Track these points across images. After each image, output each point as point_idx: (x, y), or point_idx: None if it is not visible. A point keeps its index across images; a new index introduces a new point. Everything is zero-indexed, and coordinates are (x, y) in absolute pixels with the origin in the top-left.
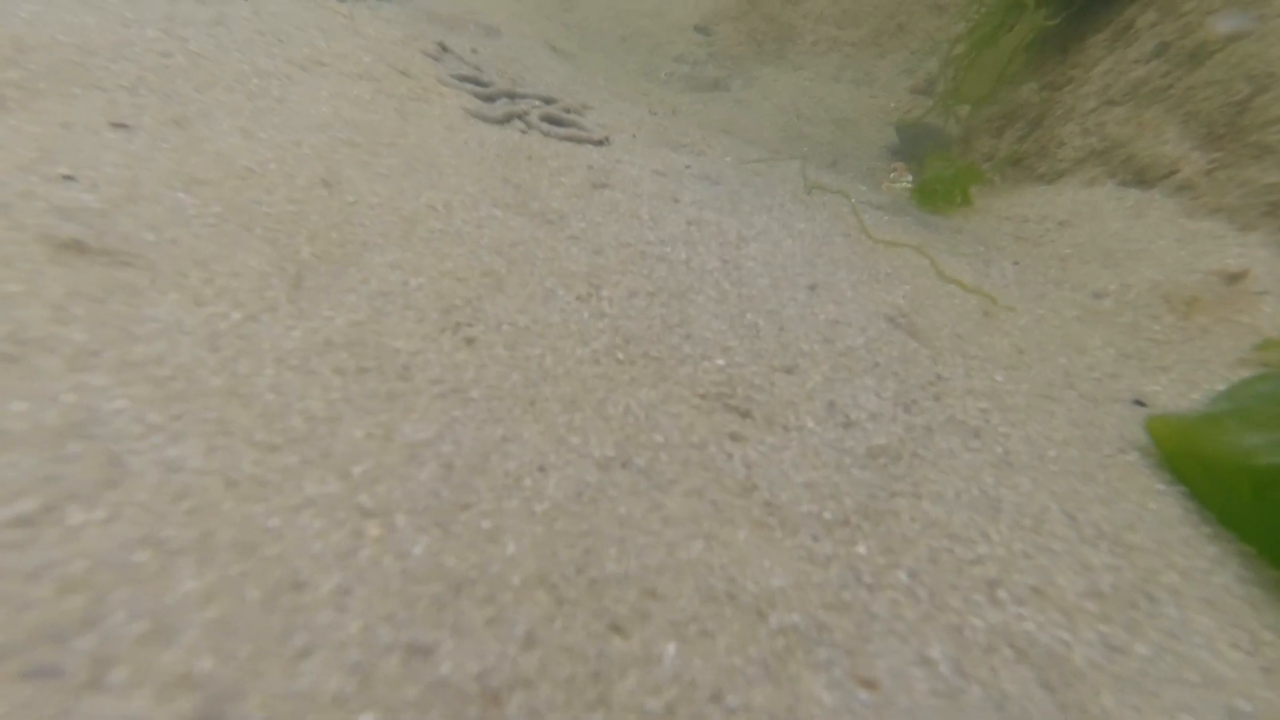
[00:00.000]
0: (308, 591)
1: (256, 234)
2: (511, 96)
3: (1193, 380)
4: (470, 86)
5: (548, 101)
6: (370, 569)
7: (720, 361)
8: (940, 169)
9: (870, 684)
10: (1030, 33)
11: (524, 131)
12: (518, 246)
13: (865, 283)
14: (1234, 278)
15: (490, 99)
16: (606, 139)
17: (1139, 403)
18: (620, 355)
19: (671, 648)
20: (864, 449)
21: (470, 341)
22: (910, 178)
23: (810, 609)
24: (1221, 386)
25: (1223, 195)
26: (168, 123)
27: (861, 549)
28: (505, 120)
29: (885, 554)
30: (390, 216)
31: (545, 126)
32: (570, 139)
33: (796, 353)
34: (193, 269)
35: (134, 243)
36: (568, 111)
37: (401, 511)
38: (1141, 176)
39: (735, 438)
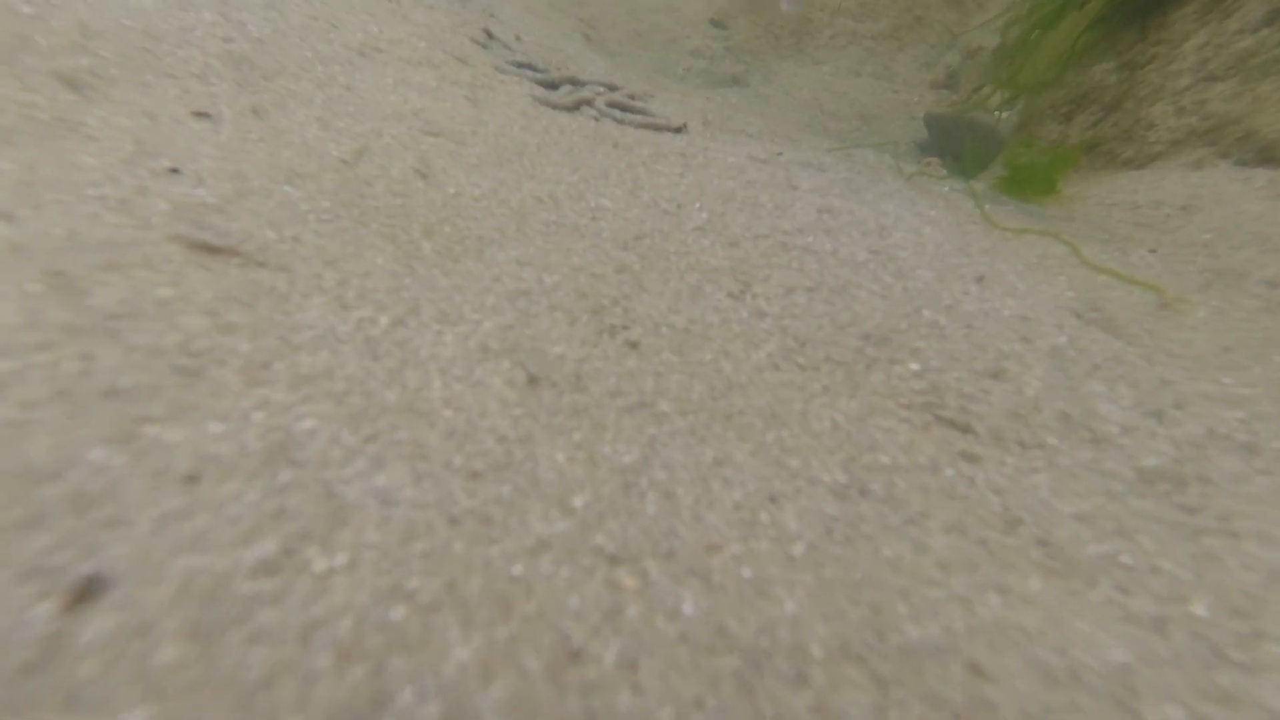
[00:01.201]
0: (590, 664)
1: (373, 230)
2: (575, 83)
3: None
4: (529, 73)
5: (611, 89)
6: (646, 633)
7: (914, 366)
8: (1028, 155)
9: None
10: (1106, 7)
11: (596, 119)
12: (643, 240)
13: (1025, 274)
14: None
15: (552, 85)
16: (684, 126)
17: None
18: (800, 360)
19: None
20: (1132, 471)
21: (634, 346)
22: (945, 173)
23: (1184, 697)
24: None
25: None
26: (246, 112)
27: (1199, 609)
28: (575, 107)
29: (1235, 617)
30: (499, 209)
31: (616, 114)
32: (647, 127)
33: (997, 354)
34: (325, 269)
35: (259, 241)
36: (633, 98)
37: (649, 556)
38: (1269, 154)
39: (969, 457)
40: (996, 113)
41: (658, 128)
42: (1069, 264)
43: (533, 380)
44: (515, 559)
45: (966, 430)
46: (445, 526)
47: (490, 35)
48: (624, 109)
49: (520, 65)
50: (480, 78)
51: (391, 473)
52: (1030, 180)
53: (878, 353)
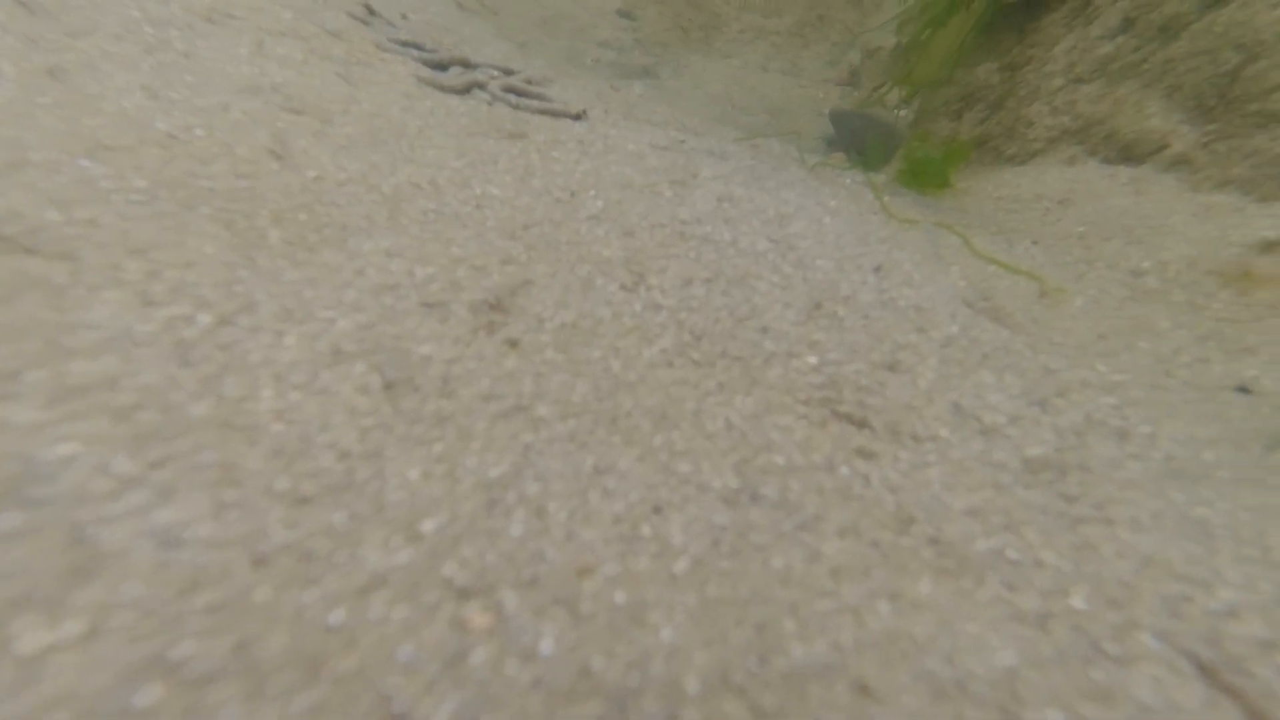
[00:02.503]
0: None
1: (203, 214)
2: (466, 65)
3: (1242, 360)
4: (415, 53)
5: (507, 72)
6: (493, 683)
7: (813, 359)
8: (924, 150)
9: None
10: (985, 12)
11: (489, 103)
12: (532, 229)
13: (922, 264)
14: (1272, 245)
15: (441, 66)
16: (584, 112)
17: (1243, 389)
18: (696, 355)
19: None
20: (1019, 461)
21: (515, 344)
22: (849, 167)
23: (1067, 699)
24: None
25: (1228, 168)
26: (38, 72)
27: (1077, 601)
28: (465, 90)
29: (1111, 608)
30: (369, 195)
31: (512, 98)
32: (545, 112)
33: (893, 345)
34: (128, 259)
35: (30, 223)
36: (531, 83)
37: (507, 586)
38: (1128, 153)
39: (864, 454)
40: (895, 110)
41: (556, 114)
42: (961, 254)
43: (390, 386)
44: (337, 603)
45: (863, 425)
46: (247, 569)
47: (371, 11)
48: (520, 94)
49: (405, 44)
50: (357, 54)
51: (182, 505)
52: (926, 174)
53: (776, 346)
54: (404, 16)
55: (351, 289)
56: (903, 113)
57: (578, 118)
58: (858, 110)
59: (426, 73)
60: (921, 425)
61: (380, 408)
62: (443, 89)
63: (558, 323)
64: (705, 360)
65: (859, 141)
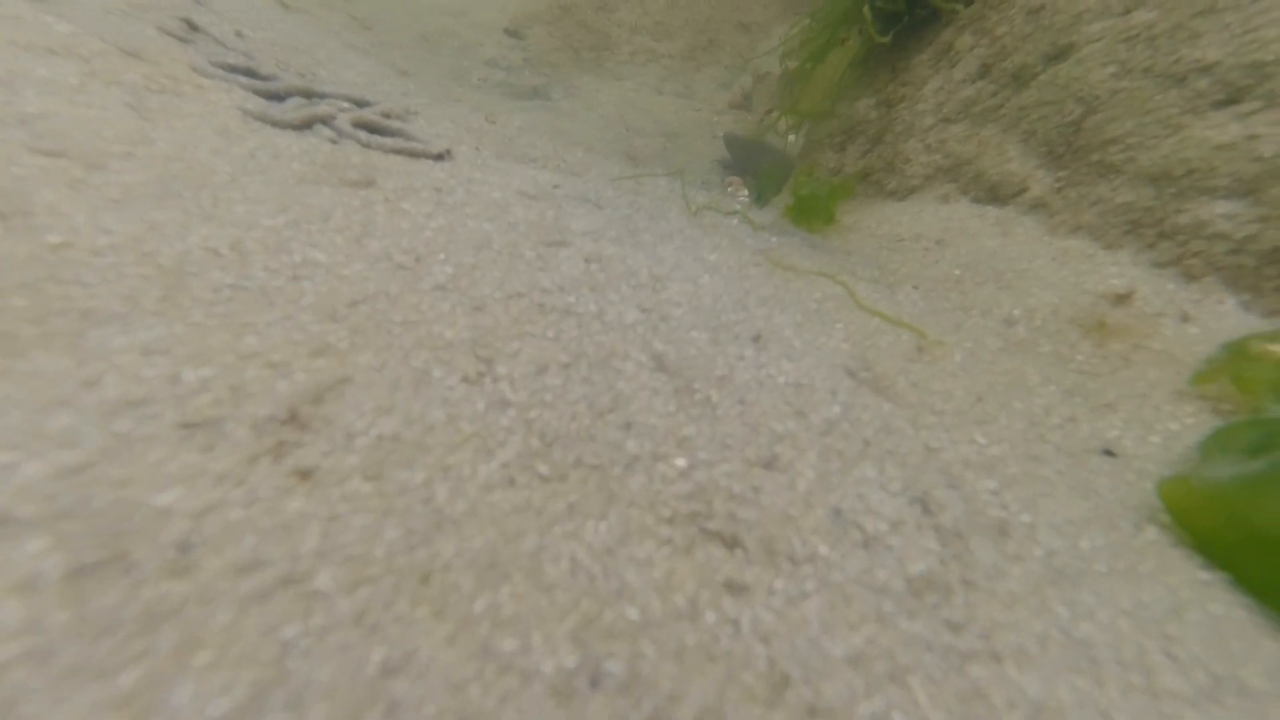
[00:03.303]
0: None
1: None
2: (308, 95)
3: (1144, 421)
4: (244, 80)
5: (360, 104)
6: None
7: (681, 462)
8: (811, 185)
9: None
10: (862, 48)
11: (334, 141)
12: (361, 306)
13: (804, 325)
14: (1121, 298)
15: (276, 96)
16: (448, 152)
17: (1108, 452)
18: (544, 468)
19: None
20: (902, 582)
21: (306, 475)
22: (746, 192)
23: None
24: (1174, 425)
25: (1079, 214)
26: None
27: None
28: (305, 126)
29: None
30: (138, 268)
31: (363, 135)
32: (401, 152)
33: (771, 436)
34: None
35: None
36: (388, 117)
37: None
38: (994, 194)
39: (735, 588)
40: (787, 136)
41: (415, 154)
42: (845, 307)
43: (78, 573)
44: None
45: (734, 545)
46: None
47: (193, 27)
48: (375, 130)
49: (232, 69)
50: (162, 80)
51: None
52: (813, 210)
53: (640, 447)
54: (239, 34)
55: (68, 410)
56: (793, 138)
57: (440, 158)
58: (751, 136)
59: (256, 104)
60: (799, 541)
61: (44, 617)
62: (275, 124)
63: (374, 436)
64: (555, 473)
65: (754, 166)
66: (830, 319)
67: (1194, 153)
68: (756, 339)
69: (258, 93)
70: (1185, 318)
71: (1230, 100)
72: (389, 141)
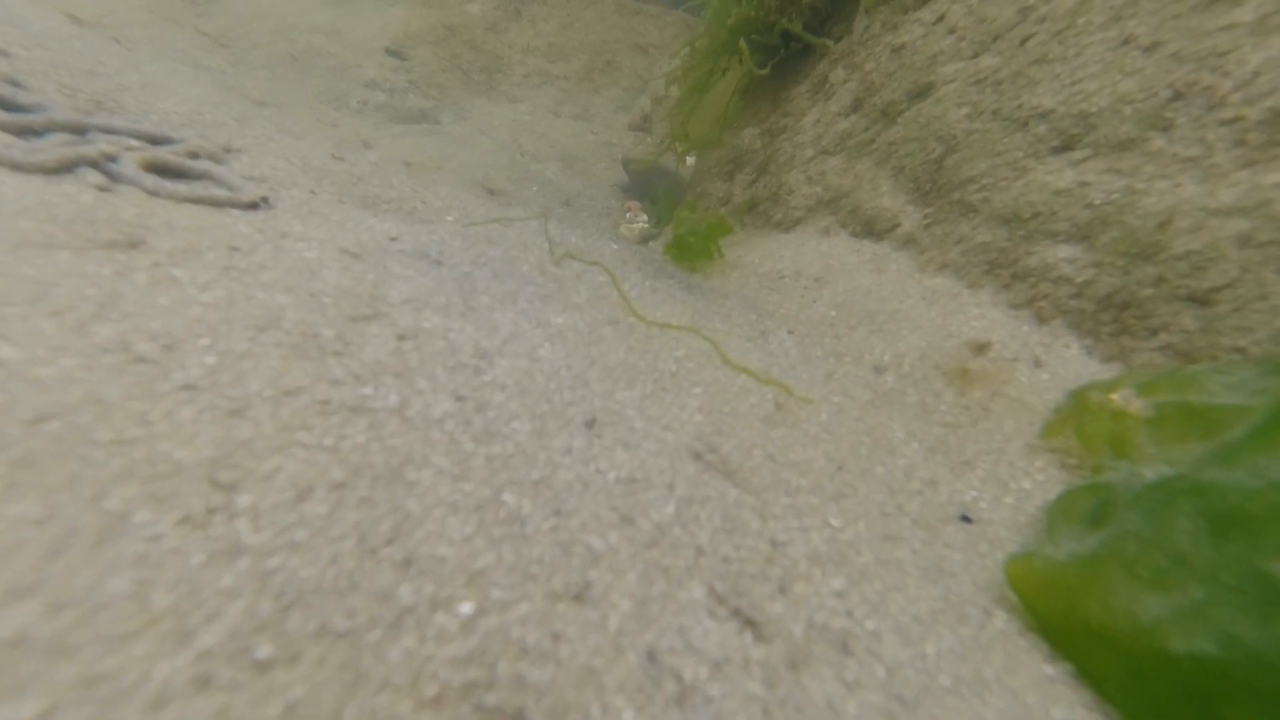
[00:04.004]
0: None
1: None
2: (79, 130)
3: (1000, 479)
4: None
5: (157, 141)
6: None
7: (466, 608)
8: (691, 222)
9: None
10: (743, 80)
11: (105, 190)
12: (48, 422)
13: (654, 397)
14: (981, 347)
15: (30, 132)
16: (264, 200)
17: (965, 518)
18: (266, 649)
19: None
20: None
21: None
22: (645, 217)
23: None
24: (1027, 484)
25: (945, 251)
26: None
27: None
28: (63, 169)
29: None
30: None
31: (150, 181)
32: (200, 201)
33: (586, 557)
34: None
35: None
36: (195, 157)
37: None
38: (870, 228)
39: None
40: (683, 160)
41: (217, 203)
42: (710, 364)
43: None
44: None
45: None
46: None
47: None
48: (173, 173)
49: None
50: None
51: None
52: (692, 250)
53: (417, 593)
54: (2, 53)
55: None
56: (691, 160)
57: (253, 207)
58: (650, 159)
59: None
60: (599, 707)
61: None
62: (13, 167)
63: (21, 637)
64: (282, 654)
65: (653, 190)
66: (689, 382)
67: (1038, 196)
68: (591, 424)
69: (4, 127)
70: (1038, 363)
71: (1065, 146)
72: (185, 189)
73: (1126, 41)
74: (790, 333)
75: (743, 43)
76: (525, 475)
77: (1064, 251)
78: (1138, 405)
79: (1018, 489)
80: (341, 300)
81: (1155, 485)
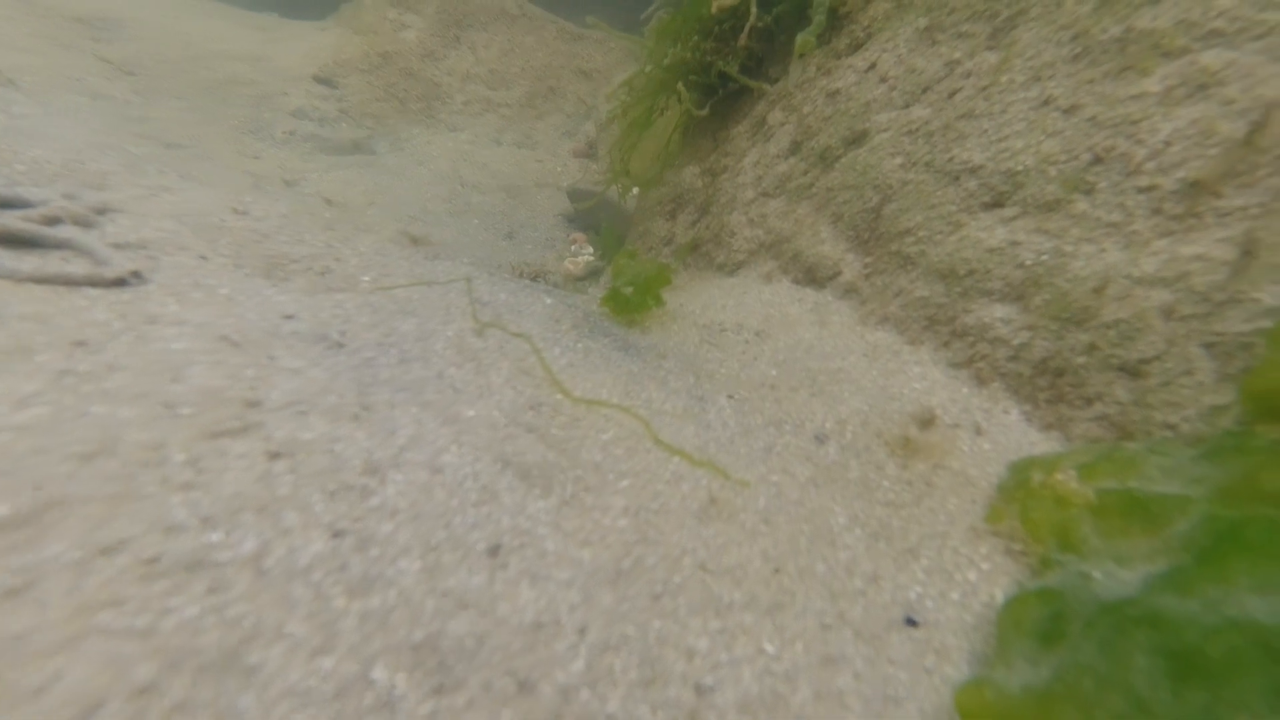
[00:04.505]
0: None
1: None
2: None
3: (945, 570)
4: None
5: (7, 204)
6: None
7: None
8: (630, 271)
9: None
10: (682, 118)
11: None
12: None
13: (574, 501)
14: (925, 422)
15: None
16: (135, 274)
17: (911, 621)
18: None
19: None
20: None
21: None
22: (591, 249)
23: None
24: (973, 575)
25: (886, 304)
26: None
27: None
28: None
29: None
30: None
31: None
32: (50, 280)
33: None
34: None
35: None
36: (54, 223)
37: None
38: (812, 275)
39: None
40: (627, 192)
41: (73, 281)
42: (640, 446)
43: None
44: None
45: None
46: None
47: None
48: (22, 243)
49: None
50: None
51: None
52: (631, 302)
53: None
54: None
55: None
56: (636, 190)
57: (119, 283)
58: (595, 190)
59: None
60: None
61: None
62: None
63: None
64: None
65: (599, 221)
66: (616, 474)
67: (971, 253)
68: (495, 551)
69: None
70: (979, 431)
71: (996, 203)
72: (31, 265)
73: (1047, 102)
74: (730, 398)
75: (681, 86)
76: (406, 637)
77: (999, 311)
78: (1080, 491)
79: (963, 581)
80: (205, 409)
81: (1109, 609)
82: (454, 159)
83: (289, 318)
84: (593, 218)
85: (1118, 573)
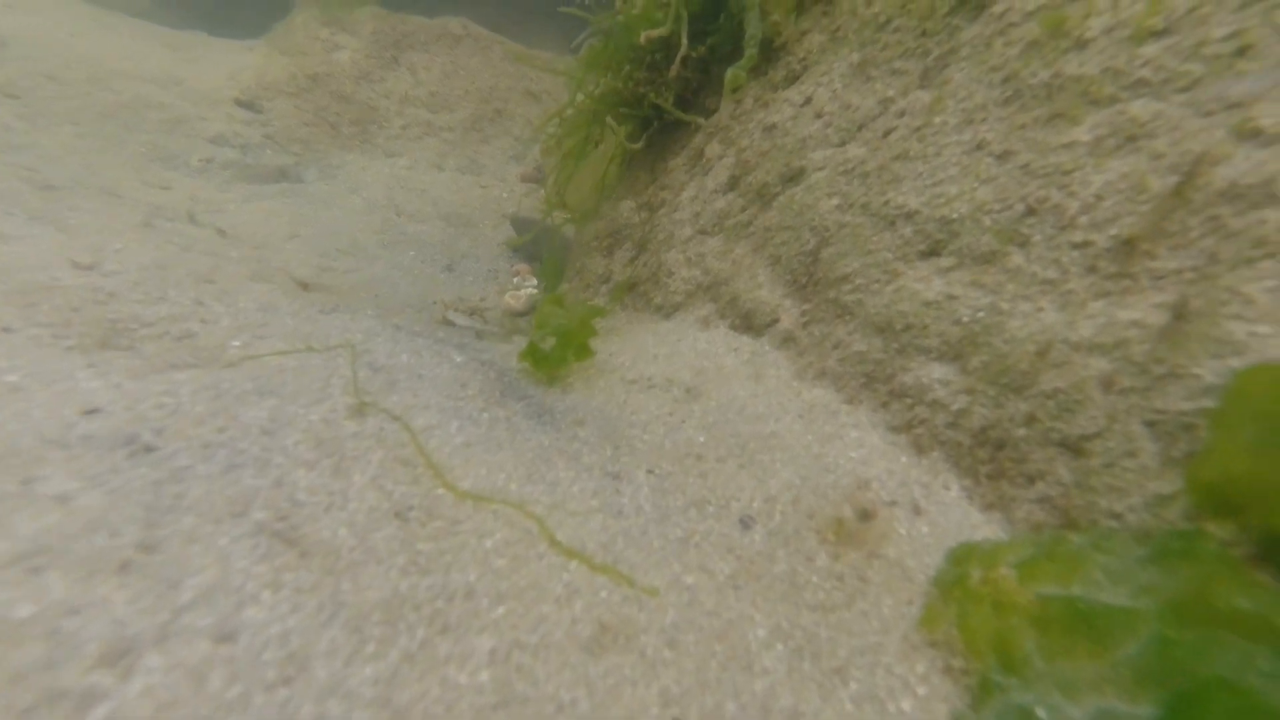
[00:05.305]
0: None
1: None
2: None
3: (877, 698)
4: None
5: None
6: None
7: None
8: (555, 320)
9: None
10: (618, 149)
11: None
12: None
13: (421, 655)
14: (861, 513)
15: None
16: None
17: None
18: None
19: None
20: None
21: None
22: (534, 281)
23: None
24: (907, 705)
25: (823, 356)
26: None
27: None
28: None
29: None
30: None
31: None
32: None
33: None
34: None
35: None
36: None
37: None
38: (749, 321)
39: None
40: (559, 229)
41: None
42: (532, 550)
43: None
44: None
45: None
46: None
47: None
48: None
49: None
50: None
51: None
52: (551, 358)
53: None
54: None
55: None
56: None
57: None
58: (536, 219)
59: None
60: None
61: None
62: None
63: None
64: None
65: (541, 251)
66: (491, 600)
67: (908, 306)
68: None
69: None
70: (917, 510)
71: (932, 252)
72: None
73: (980, 147)
74: (650, 473)
75: (610, 120)
76: None
77: (937, 371)
78: (1020, 594)
79: (897, 713)
80: None
81: None
82: (390, 186)
83: (91, 413)
84: (537, 248)
85: (1064, 707)
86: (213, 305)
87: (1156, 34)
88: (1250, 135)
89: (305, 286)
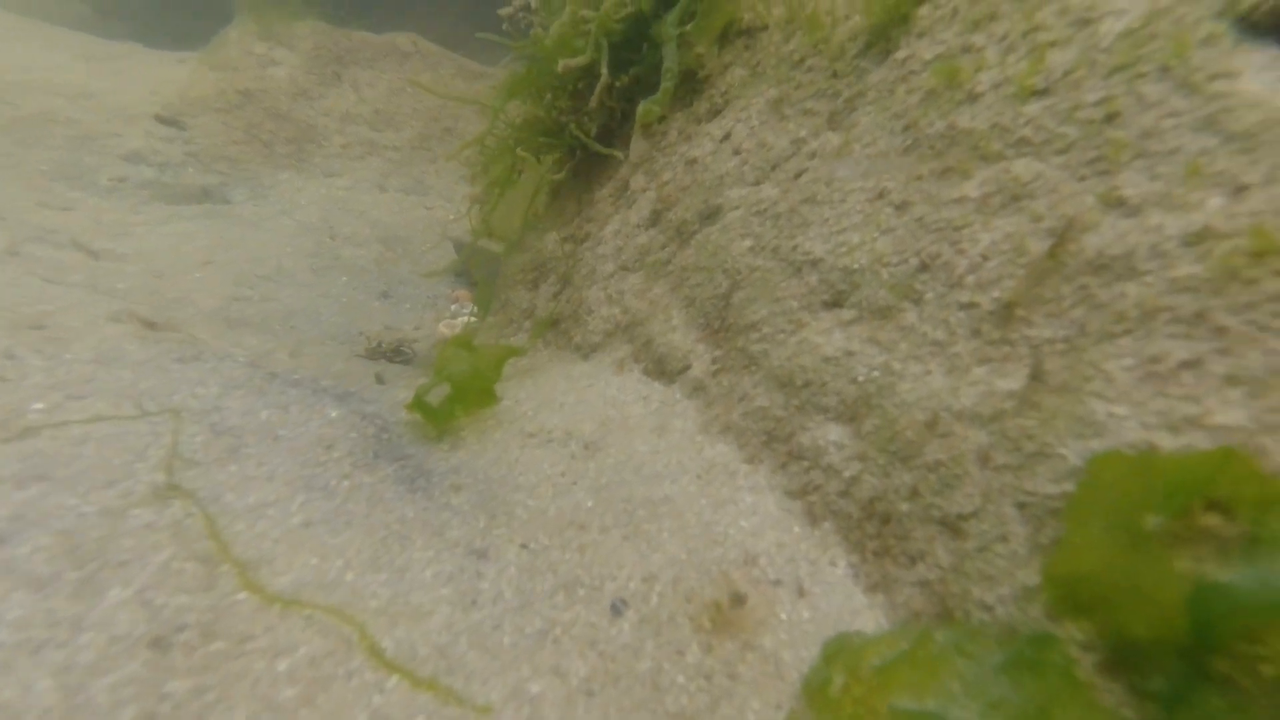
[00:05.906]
0: None
1: None
2: None
3: None
4: None
5: None
6: None
7: None
8: (455, 364)
9: None
10: (545, 178)
11: None
12: None
13: None
14: (738, 599)
15: None
16: None
17: None
18: None
19: None
20: None
21: None
22: (471, 308)
23: None
24: None
25: (730, 409)
26: None
27: None
28: None
29: None
30: None
31: None
32: None
33: None
34: None
35: None
36: None
37: None
38: (662, 367)
39: None
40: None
41: None
42: (345, 666)
43: None
44: None
45: None
46: None
47: None
48: None
49: None
50: None
51: None
52: (439, 411)
53: None
54: None
55: None
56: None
57: None
58: (451, 264)
59: None
60: None
61: None
62: None
63: None
64: None
65: (481, 276)
66: None
67: (809, 360)
68: None
69: None
70: (801, 591)
71: (835, 303)
72: None
73: (881, 195)
74: (524, 548)
75: (521, 152)
76: None
77: (833, 433)
78: (876, 705)
79: None
80: None
81: None
82: (326, 207)
83: None
84: (481, 271)
85: None
86: (25, 358)
87: (1038, 93)
88: (1115, 204)
89: (150, 326)
